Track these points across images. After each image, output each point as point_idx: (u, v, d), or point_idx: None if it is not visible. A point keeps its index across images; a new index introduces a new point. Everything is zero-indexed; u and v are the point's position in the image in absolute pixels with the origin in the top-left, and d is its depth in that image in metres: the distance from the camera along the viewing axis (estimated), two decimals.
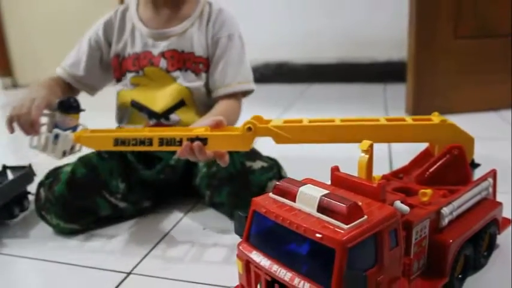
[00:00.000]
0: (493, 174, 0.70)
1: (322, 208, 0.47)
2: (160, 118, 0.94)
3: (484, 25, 1.57)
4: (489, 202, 0.69)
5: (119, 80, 0.99)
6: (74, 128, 0.83)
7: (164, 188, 0.97)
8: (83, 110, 0.86)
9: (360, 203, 0.47)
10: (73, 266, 0.76)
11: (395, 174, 0.71)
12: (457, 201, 0.62)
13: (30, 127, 0.80)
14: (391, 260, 0.49)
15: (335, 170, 0.57)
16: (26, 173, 0.95)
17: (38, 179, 0.93)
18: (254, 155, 0.89)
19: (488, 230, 0.66)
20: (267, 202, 0.51)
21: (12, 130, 0.83)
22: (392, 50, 2.25)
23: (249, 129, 0.70)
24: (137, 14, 0.98)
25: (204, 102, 0.98)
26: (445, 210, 0.59)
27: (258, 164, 0.85)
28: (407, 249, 0.55)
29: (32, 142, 0.82)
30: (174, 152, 0.79)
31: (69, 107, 0.83)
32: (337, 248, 0.43)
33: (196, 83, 0.96)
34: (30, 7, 2.81)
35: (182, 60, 0.95)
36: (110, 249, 0.81)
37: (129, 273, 0.72)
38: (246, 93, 1.01)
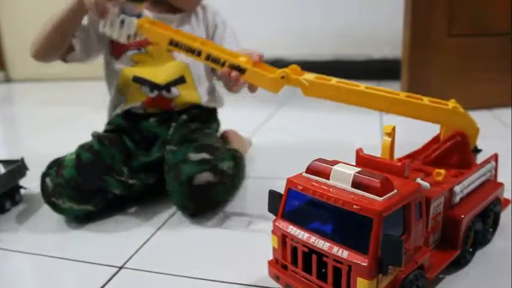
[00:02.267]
0: (495, 157, 0.76)
1: (356, 184, 0.52)
2: (162, 90, 1.00)
3: (478, 23, 1.62)
4: (492, 183, 0.75)
5: (117, 57, 1.01)
6: (138, 15, 0.87)
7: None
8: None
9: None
10: (63, 260, 0.75)
11: (408, 158, 0.76)
12: (467, 181, 0.67)
13: (102, 11, 0.82)
14: (416, 230, 0.54)
15: (360, 151, 0.62)
16: (18, 166, 0.96)
17: (30, 173, 0.95)
18: (205, 147, 0.90)
19: (493, 208, 0.72)
20: (302, 180, 0.56)
21: (101, 13, 0.83)
22: (387, 48, 2.30)
23: (283, 77, 0.77)
24: None
25: (203, 80, 1.06)
26: (457, 188, 0.65)
27: (199, 156, 0.86)
28: (426, 223, 0.60)
29: (101, 26, 0.85)
30: (169, 129, 0.96)
31: None
32: (374, 217, 0.48)
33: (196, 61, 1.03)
34: (23, 1, 2.81)
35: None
36: (101, 243, 0.81)
37: (121, 267, 0.72)
38: None
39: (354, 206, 0.49)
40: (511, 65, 1.66)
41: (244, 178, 1.03)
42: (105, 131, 1.02)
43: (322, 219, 0.54)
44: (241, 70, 0.80)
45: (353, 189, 0.52)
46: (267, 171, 1.13)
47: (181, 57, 1.01)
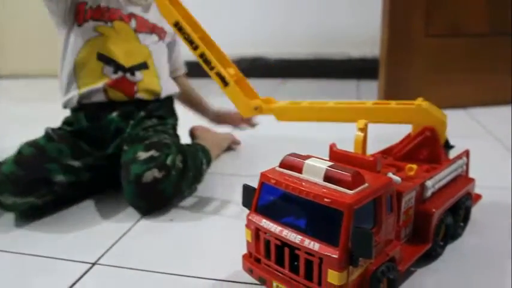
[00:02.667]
0: (466, 153, 0.77)
1: (328, 177, 0.53)
2: (127, 72, 0.99)
3: (454, 24, 1.65)
4: (464, 178, 0.76)
5: (80, 24, 0.98)
6: None
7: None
8: None
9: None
10: (32, 257, 0.73)
11: (381, 154, 0.77)
12: (439, 176, 0.69)
13: None
14: (387, 224, 0.55)
15: (333, 146, 0.62)
16: None
17: None
18: (154, 144, 0.90)
19: (464, 203, 0.74)
20: (275, 174, 0.57)
21: None
22: (366, 47, 2.31)
23: (256, 108, 0.83)
24: None
25: (164, 70, 1.08)
26: (429, 183, 0.66)
27: (147, 154, 0.86)
28: (398, 217, 0.61)
29: None
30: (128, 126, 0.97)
31: None
32: (345, 210, 0.48)
33: (160, 47, 1.07)
34: None
35: (149, 26, 1.04)
36: (73, 239, 0.79)
37: (94, 264, 0.71)
38: None
39: (325, 199, 0.50)
40: (486, 65, 1.70)
41: (204, 171, 1.02)
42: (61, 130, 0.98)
43: (295, 213, 0.55)
44: (224, 82, 0.82)
45: (325, 183, 0.53)
46: (243, 167, 1.14)
47: (145, 41, 1.03)
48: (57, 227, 0.83)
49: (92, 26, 0.98)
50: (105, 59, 0.98)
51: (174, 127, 1.10)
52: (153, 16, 1.05)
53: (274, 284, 0.55)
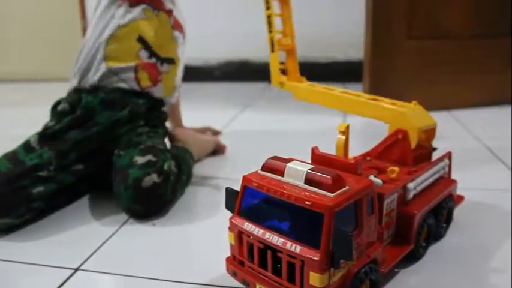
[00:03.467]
0: (448, 155, 0.78)
1: (309, 180, 0.53)
2: (159, 61, 1.05)
3: (436, 27, 1.67)
4: (446, 180, 0.77)
5: (132, 5, 1.02)
6: None
7: (97, 154, 0.96)
8: None
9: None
10: (13, 263, 0.72)
11: (364, 157, 0.78)
12: (420, 178, 0.69)
13: None
14: (368, 226, 0.55)
15: (315, 149, 0.63)
16: None
17: None
18: (150, 149, 0.89)
19: (446, 204, 0.75)
20: (257, 178, 0.57)
21: None
22: (351, 50, 2.33)
23: (280, 82, 0.97)
24: None
25: (180, 73, 1.15)
26: (411, 185, 0.67)
27: (144, 159, 0.86)
28: (380, 219, 0.62)
29: None
30: (124, 107, 0.97)
31: None
32: (325, 213, 0.49)
33: (183, 49, 1.13)
34: None
35: (180, 26, 1.12)
36: (55, 244, 0.78)
37: (76, 269, 0.70)
38: None
39: (306, 202, 0.50)
40: (469, 67, 1.72)
41: (191, 176, 1.03)
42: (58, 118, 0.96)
43: (277, 216, 0.55)
44: (272, 48, 0.95)
45: (306, 185, 0.53)
46: (226, 170, 1.14)
47: (177, 37, 1.09)
48: (39, 233, 0.82)
49: (142, 8, 1.02)
50: (145, 43, 1.02)
51: (163, 135, 1.10)
52: (180, 19, 1.12)
53: (258, 286, 0.56)
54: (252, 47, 2.50)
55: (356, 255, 0.53)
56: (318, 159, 0.62)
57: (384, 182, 0.64)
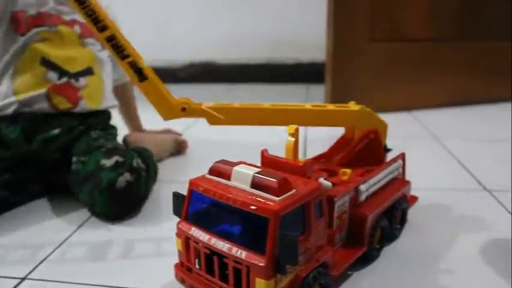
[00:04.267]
0: (402, 156, 0.78)
1: (255, 184, 0.52)
2: (71, 78, 0.95)
3: (397, 29, 1.69)
4: (400, 181, 0.77)
5: (23, 34, 0.93)
6: None
7: (51, 171, 0.94)
8: None
9: (289, 179, 0.53)
10: None
11: (317, 159, 0.77)
12: (373, 180, 0.69)
13: None
14: (317, 229, 0.54)
15: (264, 152, 0.62)
16: None
17: None
18: (114, 150, 0.88)
19: (400, 205, 0.75)
20: (204, 182, 0.56)
21: None
22: (316, 52, 2.31)
23: (183, 109, 0.69)
24: None
25: (108, 77, 1.06)
26: (363, 187, 0.66)
27: (112, 161, 0.85)
28: (330, 222, 0.61)
29: None
30: (54, 127, 0.92)
31: None
32: (270, 217, 0.48)
33: (105, 54, 1.04)
34: None
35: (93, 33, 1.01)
36: (0, 251, 0.75)
37: (23, 279, 0.67)
38: None
39: (251, 207, 0.49)
40: (430, 69, 1.75)
41: (157, 172, 1.01)
42: None
43: (223, 220, 0.54)
44: (141, 76, 0.67)
45: (252, 189, 0.52)
46: (181, 173, 1.12)
47: (91, 47, 1.00)
48: None
49: (36, 32, 0.94)
50: (50, 64, 0.94)
51: (116, 137, 1.07)
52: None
53: None
54: (216, 48, 2.50)
55: (304, 260, 0.53)
56: (268, 162, 0.61)
57: (335, 184, 0.63)
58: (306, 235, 0.53)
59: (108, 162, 0.85)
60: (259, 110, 0.71)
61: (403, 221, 0.77)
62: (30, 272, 0.69)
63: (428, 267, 0.67)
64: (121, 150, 0.90)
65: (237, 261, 0.50)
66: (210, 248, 0.53)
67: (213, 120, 0.69)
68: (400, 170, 0.78)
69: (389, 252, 0.72)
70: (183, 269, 0.58)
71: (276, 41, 2.45)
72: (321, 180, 0.58)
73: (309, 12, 2.34)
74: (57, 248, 0.76)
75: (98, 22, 0.65)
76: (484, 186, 0.98)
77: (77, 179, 0.88)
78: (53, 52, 0.94)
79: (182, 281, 0.58)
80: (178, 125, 1.45)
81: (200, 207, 0.56)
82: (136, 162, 0.87)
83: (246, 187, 0.52)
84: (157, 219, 0.87)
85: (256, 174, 0.52)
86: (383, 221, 0.69)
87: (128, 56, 0.65)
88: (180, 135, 1.34)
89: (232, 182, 0.54)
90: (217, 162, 0.57)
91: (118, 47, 0.66)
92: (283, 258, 0.48)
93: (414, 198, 0.82)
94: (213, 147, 1.31)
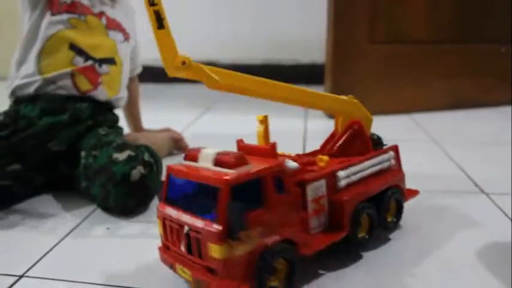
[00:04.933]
0: (395, 148, 0.79)
1: (217, 162, 0.57)
2: (96, 63, 1.04)
3: (397, 31, 1.69)
4: (391, 171, 0.77)
5: (54, 14, 1.02)
6: None
7: (55, 163, 0.98)
8: None
9: (254, 160, 0.58)
10: None
11: (308, 155, 0.80)
12: (355, 168, 0.71)
13: None
14: (280, 204, 0.58)
15: (240, 141, 0.67)
16: None
17: None
18: (125, 145, 0.91)
19: (392, 196, 0.75)
20: (179, 166, 0.61)
21: None
22: (316, 53, 2.29)
23: (183, 63, 0.67)
24: None
25: (126, 69, 1.15)
26: (341, 174, 0.68)
27: (124, 155, 0.88)
28: (304, 205, 0.64)
29: None
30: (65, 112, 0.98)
31: None
32: (222, 186, 0.52)
33: (125, 47, 1.14)
34: None
35: (117, 25, 1.12)
36: None
37: (21, 276, 0.66)
38: None
39: (208, 179, 0.54)
40: (430, 71, 1.75)
41: (162, 170, 0.99)
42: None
43: (192, 198, 0.59)
44: (161, 24, 0.69)
45: (214, 167, 0.57)
46: None
47: (115, 37, 1.10)
48: None
49: (66, 17, 1.03)
50: (78, 50, 1.03)
51: (123, 135, 1.12)
52: (119, 17, 1.13)
53: (178, 267, 0.59)
54: (216, 48, 2.54)
55: (265, 233, 0.56)
56: (242, 148, 0.65)
57: (311, 170, 0.66)
58: (265, 209, 0.56)
59: (120, 156, 0.88)
60: (254, 80, 0.69)
61: (399, 213, 0.78)
62: (28, 270, 0.69)
63: (425, 270, 0.67)
64: (131, 145, 0.92)
65: (197, 230, 0.54)
66: (178, 223, 0.57)
67: (209, 82, 0.69)
68: (393, 161, 0.78)
69: (385, 253, 0.72)
70: (163, 249, 0.63)
71: (275, 42, 2.46)
72: (286, 160, 0.62)
73: (309, 14, 2.34)
74: (55, 245, 0.77)
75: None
76: (482, 188, 0.97)
77: (87, 172, 0.91)
78: (81, 39, 1.04)
79: (164, 261, 0.63)
80: (178, 124, 1.51)
81: (175, 189, 0.61)
82: (148, 155, 0.90)
83: (210, 165, 0.58)
84: (153, 218, 0.83)
85: (218, 153, 0.57)
86: (369, 208, 0.71)
87: (156, 4, 0.70)
88: (179, 134, 1.36)
89: (200, 163, 0.59)
90: (190, 148, 0.63)
91: None
92: (233, 224, 0.52)
93: (414, 192, 0.82)
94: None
